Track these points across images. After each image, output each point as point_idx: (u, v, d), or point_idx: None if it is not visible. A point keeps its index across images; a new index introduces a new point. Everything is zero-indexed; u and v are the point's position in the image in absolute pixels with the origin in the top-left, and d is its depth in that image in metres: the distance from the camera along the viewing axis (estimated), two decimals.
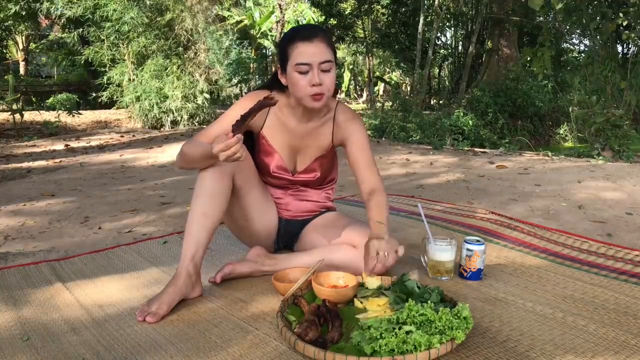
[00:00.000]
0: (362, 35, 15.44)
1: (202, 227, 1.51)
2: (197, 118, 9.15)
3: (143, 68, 8.82)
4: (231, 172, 1.58)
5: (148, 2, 8.57)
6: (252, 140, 1.74)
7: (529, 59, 7.79)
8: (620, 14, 6.55)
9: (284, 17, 13.58)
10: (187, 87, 8.77)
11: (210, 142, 1.42)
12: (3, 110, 9.53)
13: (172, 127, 8.89)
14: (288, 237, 1.84)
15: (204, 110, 9.20)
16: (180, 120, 8.98)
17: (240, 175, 1.62)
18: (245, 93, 17.06)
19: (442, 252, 1.64)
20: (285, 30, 15.15)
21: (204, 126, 8.97)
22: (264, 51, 18.42)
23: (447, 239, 1.66)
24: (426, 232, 1.68)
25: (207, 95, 9.04)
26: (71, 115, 9.60)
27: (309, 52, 1.49)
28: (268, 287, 1.58)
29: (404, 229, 2.25)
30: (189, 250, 1.50)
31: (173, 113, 8.87)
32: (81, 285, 1.67)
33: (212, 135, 1.53)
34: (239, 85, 16.76)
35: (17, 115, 8.59)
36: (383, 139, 7.93)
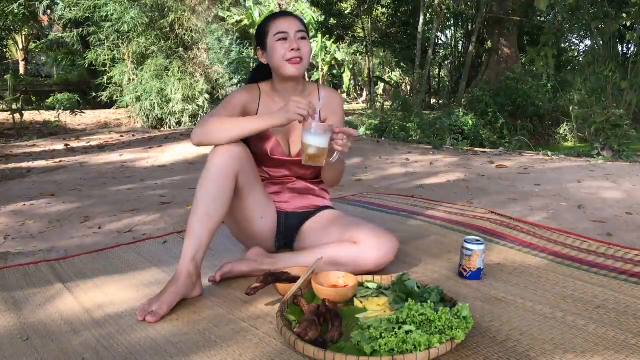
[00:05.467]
0: (362, 34, 15.44)
1: (204, 228, 1.52)
2: (198, 118, 9.16)
3: (143, 68, 8.83)
4: (235, 173, 1.58)
5: (148, 3, 8.56)
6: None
7: (530, 58, 7.80)
8: (624, 14, 6.55)
9: None
10: (188, 89, 8.77)
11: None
12: (3, 110, 9.53)
13: (172, 128, 8.90)
14: (288, 232, 1.84)
15: (204, 110, 9.22)
16: (182, 121, 8.99)
17: (243, 175, 1.62)
18: None
19: (310, 136, 1.47)
20: None
21: None
22: None
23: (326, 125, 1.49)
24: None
25: (207, 96, 9.05)
26: (74, 114, 9.59)
27: (284, 22, 1.67)
28: (268, 287, 1.57)
29: (403, 229, 2.24)
30: (190, 251, 1.50)
31: (176, 114, 8.89)
32: (81, 285, 1.67)
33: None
34: (239, 84, 16.77)
35: (17, 115, 8.59)
36: (383, 138, 7.93)
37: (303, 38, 1.67)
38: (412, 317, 1.21)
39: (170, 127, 8.93)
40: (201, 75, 9.07)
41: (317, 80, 17.49)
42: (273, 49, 1.66)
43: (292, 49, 1.64)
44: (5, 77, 11.14)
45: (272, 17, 1.72)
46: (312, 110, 1.50)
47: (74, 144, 6.55)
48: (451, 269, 1.75)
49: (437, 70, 17.58)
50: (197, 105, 8.98)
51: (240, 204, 1.69)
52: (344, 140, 1.52)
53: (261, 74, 1.80)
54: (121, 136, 7.40)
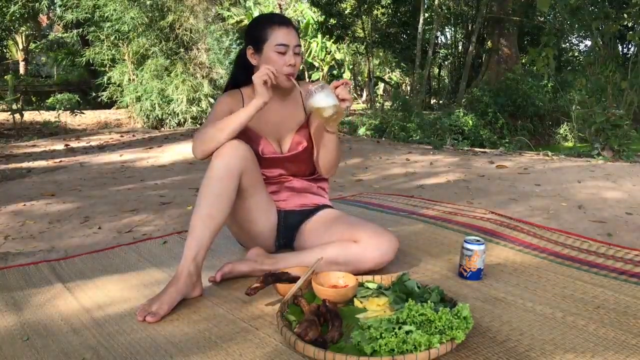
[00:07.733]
0: (362, 35, 15.43)
1: (206, 228, 1.52)
2: (199, 119, 9.17)
3: (143, 68, 8.82)
4: (239, 173, 1.58)
5: (148, 2, 8.56)
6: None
7: (531, 59, 7.81)
8: (624, 15, 6.56)
9: None
10: (192, 91, 8.77)
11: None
12: (3, 110, 9.54)
13: (172, 128, 8.90)
14: (288, 231, 1.84)
15: (207, 113, 9.23)
16: (184, 122, 9.00)
17: (247, 176, 1.62)
18: None
19: (315, 97, 1.55)
20: None
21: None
22: None
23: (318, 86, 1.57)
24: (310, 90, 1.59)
25: (212, 100, 9.07)
26: (74, 115, 9.59)
27: (286, 35, 1.68)
28: (268, 287, 1.57)
29: (403, 229, 2.24)
30: (192, 251, 1.50)
31: (178, 116, 8.90)
32: (81, 285, 1.67)
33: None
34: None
35: (17, 115, 8.60)
36: (383, 138, 7.93)
37: (298, 53, 1.70)
38: (412, 317, 1.21)
39: (170, 127, 8.93)
40: (203, 77, 9.06)
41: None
42: (270, 59, 1.67)
43: (290, 65, 1.67)
44: (6, 77, 11.15)
45: (273, 22, 1.69)
46: (271, 71, 1.58)
47: (74, 144, 6.55)
48: (451, 269, 1.75)
49: (437, 70, 17.58)
50: (201, 108, 8.99)
51: (243, 205, 1.69)
52: (346, 90, 1.58)
53: (244, 75, 1.76)
54: (121, 136, 7.40)
